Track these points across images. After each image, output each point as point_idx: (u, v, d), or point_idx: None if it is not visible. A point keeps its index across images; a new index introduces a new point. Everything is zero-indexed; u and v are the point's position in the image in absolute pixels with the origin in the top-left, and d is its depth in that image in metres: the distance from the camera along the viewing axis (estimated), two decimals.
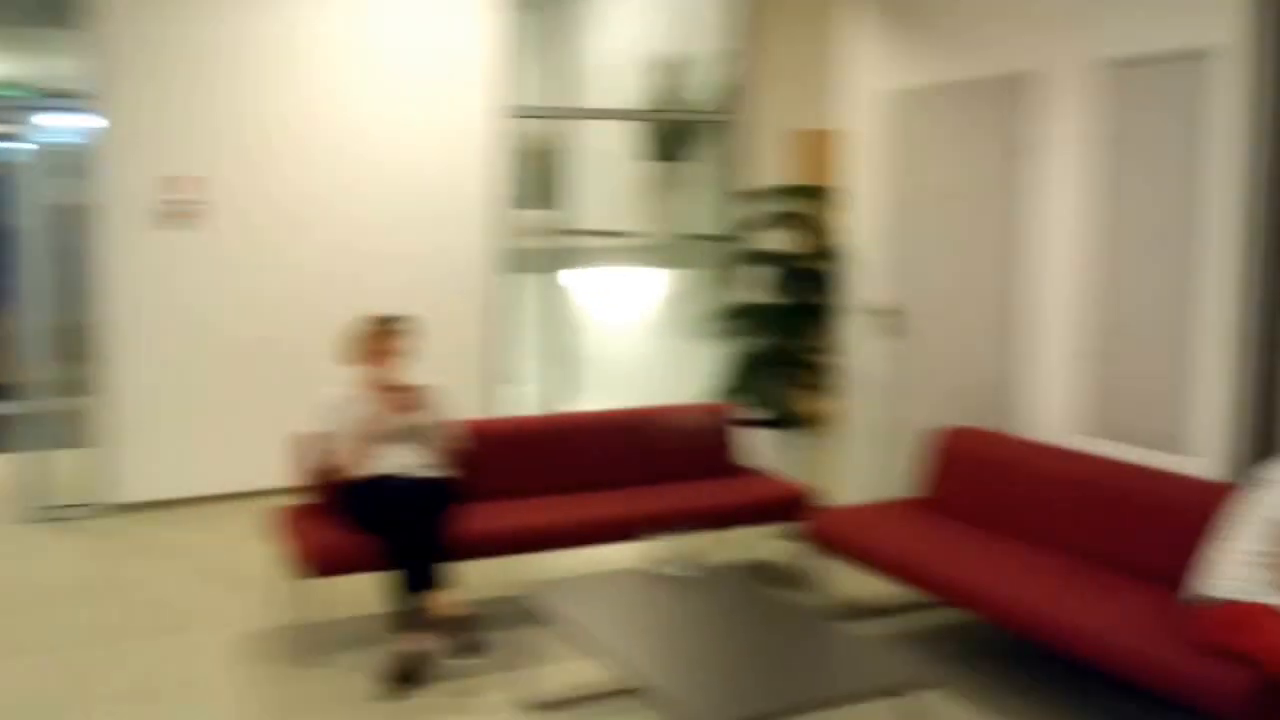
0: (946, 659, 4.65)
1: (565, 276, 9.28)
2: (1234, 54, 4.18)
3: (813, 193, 6.56)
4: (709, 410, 5.88)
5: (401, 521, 4.54)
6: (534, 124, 8.64)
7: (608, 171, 8.94)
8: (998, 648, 4.74)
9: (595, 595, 4.09)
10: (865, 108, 6.12)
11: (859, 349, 6.19)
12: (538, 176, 8.98)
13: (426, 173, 7.14)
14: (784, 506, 5.34)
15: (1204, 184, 4.30)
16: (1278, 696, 3.31)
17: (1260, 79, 4.07)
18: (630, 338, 8.98)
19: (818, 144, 6.74)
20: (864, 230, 6.15)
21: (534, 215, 8.70)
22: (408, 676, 4.31)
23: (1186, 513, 4.07)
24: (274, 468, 5.22)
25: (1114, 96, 4.68)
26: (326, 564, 4.49)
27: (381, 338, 4.95)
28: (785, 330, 6.49)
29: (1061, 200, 4.94)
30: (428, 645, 4.40)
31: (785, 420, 6.45)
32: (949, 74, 5.55)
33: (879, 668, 3.49)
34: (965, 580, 4.33)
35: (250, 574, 5.47)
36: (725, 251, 7.40)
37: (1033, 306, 5.12)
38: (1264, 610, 3.41)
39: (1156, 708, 4.10)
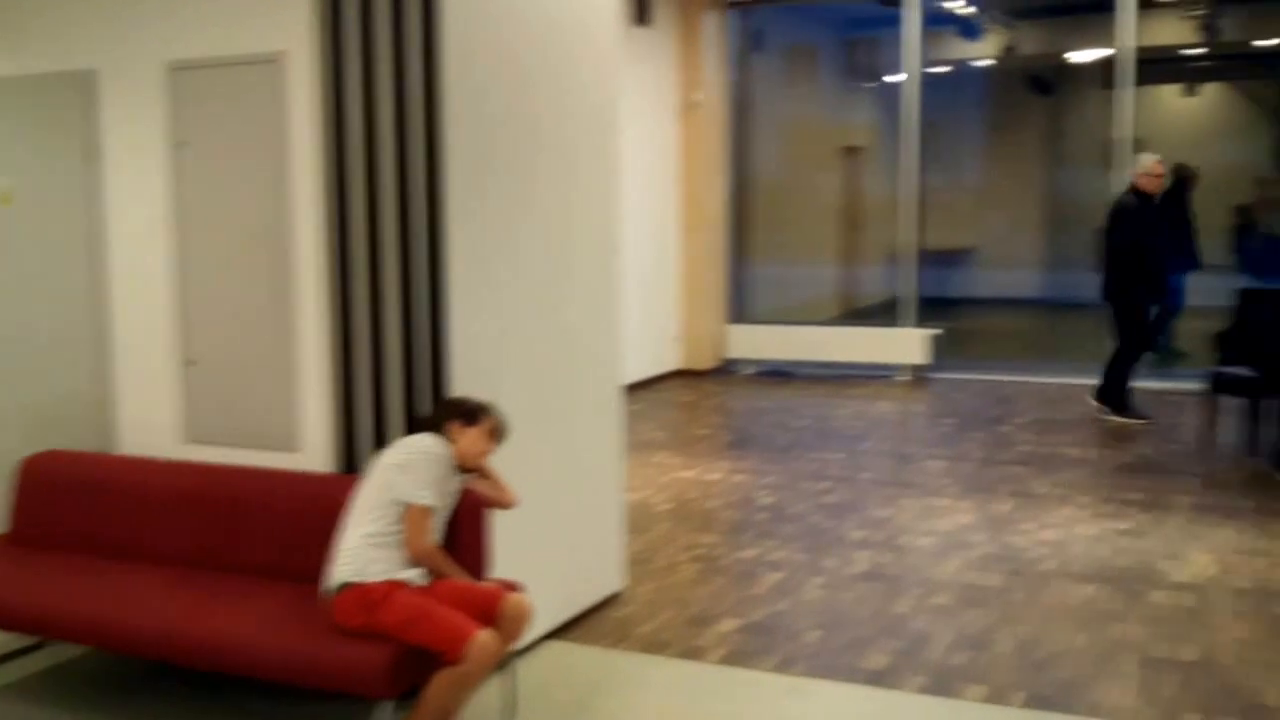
0: (69, 701, 4.29)
1: None
2: (301, 58, 4.31)
3: None
4: None
5: None
6: None
7: None
8: (132, 678, 4.47)
9: None
10: None
11: None
12: None
13: None
14: None
15: (290, 186, 4.40)
16: (413, 663, 3.57)
17: (326, 82, 4.26)
18: None
19: None
20: None
21: None
22: None
23: (308, 508, 4.17)
24: None
25: (193, 98, 4.59)
26: None
27: None
28: None
29: (146, 206, 4.72)
30: None
31: None
32: None
33: None
34: (71, 613, 4.04)
35: None
36: None
37: (128, 318, 4.84)
38: (393, 586, 3.66)
39: (309, 700, 4.14)
